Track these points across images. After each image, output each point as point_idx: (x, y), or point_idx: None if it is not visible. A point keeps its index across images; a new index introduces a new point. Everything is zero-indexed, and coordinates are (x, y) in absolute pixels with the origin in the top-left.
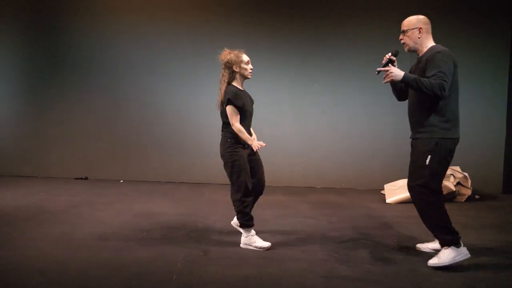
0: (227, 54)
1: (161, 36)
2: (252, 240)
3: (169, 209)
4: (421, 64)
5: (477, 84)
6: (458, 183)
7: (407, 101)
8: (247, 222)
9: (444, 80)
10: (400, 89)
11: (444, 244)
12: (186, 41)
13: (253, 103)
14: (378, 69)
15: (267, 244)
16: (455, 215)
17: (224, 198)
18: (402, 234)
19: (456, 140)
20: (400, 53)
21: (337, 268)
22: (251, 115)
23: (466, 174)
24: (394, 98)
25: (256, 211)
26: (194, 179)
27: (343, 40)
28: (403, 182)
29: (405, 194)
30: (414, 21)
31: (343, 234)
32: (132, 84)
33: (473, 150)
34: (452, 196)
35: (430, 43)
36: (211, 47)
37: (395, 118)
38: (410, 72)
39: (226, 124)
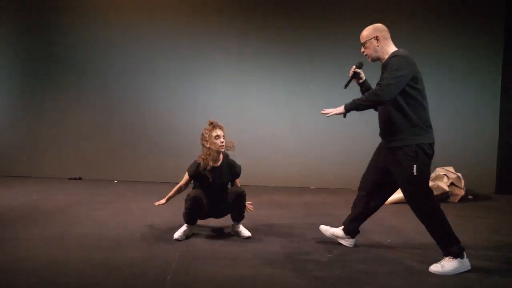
0: (209, 130)
1: (157, 36)
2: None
3: (164, 209)
4: (385, 67)
5: (471, 84)
6: (452, 184)
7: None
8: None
9: (386, 85)
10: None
11: (449, 254)
12: (183, 41)
13: (231, 178)
14: (345, 84)
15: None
16: (449, 215)
17: None
18: (396, 234)
19: (430, 145)
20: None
21: (332, 268)
22: (214, 188)
23: (459, 174)
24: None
25: (250, 212)
26: None
27: (340, 41)
28: None
29: (399, 194)
30: (370, 31)
31: None
32: (128, 84)
33: (466, 150)
34: (445, 196)
35: (391, 49)
36: (208, 48)
37: None
38: (350, 80)
39: None
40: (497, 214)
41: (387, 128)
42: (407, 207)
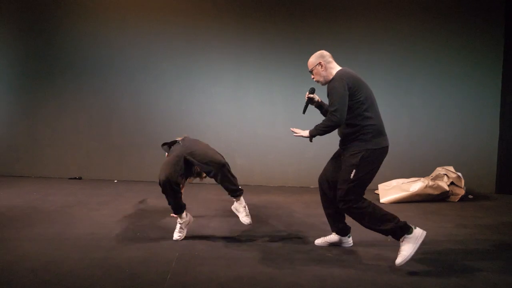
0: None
1: (156, 36)
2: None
3: (163, 209)
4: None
5: (471, 84)
6: (452, 183)
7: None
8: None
9: (334, 111)
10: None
11: (394, 235)
12: (181, 41)
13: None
14: (302, 110)
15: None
16: (449, 215)
17: (218, 198)
18: None
19: (382, 149)
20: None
21: (331, 267)
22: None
23: (459, 174)
24: (387, 98)
25: (250, 212)
26: None
27: (338, 41)
28: (397, 182)
29: (399, 194)
30: (314, 59)
31: None
32: (126, 84)
33: (466, 150)
34: (445, 196)
35: (334, 71)
36: (207, 48)
37: (388, 118)
38: (307, 105)
39: None
40: (497, 213)
41: (344, 133)
42: (406, 206)
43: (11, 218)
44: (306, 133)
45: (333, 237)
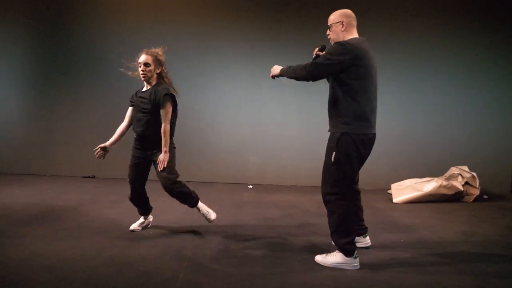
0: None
1: (168, 35)
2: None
3: (176, 207)
4: None
5: (486, 83)
6: (466, 183)
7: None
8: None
9: (315, 63)
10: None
11: (341, 250)
12: (193, 40)
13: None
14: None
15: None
16: (463, 215)
17: (230, 197)
18: (409, 234)
19: (362, 136)
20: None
21: (343, 268)
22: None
23: (474, 173)
24: (400, 97)
25: (262, 211)
26: (200, 177)
27: None
28: (410, 181)
29: (412, 193)
30: (337, 15)
31: None
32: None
33: (481, 149)
34: (459, 196)
35: (351, 36)
36: (218, 47)
37: (402, 117)
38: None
39: None
40: None
41: (328, 112)
42: (419, 206)
43: (27, 216)
44: (277, 70)
45: (360, 238)
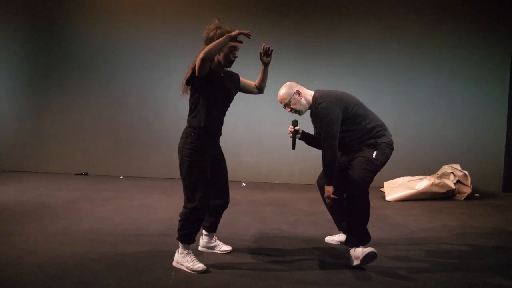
0: (213, 29)
1: (162, 33)
2: (185, 259)
3: (169, 205)
4: (316, 117)
5: (478, 82)
6: (458, 181)
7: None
8: (185, 237)
9: (327, 139)
10: (312, 142)
11: (361, 241)
12: (188, 38)
13: (233, 91)
14: (292, 146)
15: (200, 267)
16: (455, 213)
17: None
18: (401, 231)
19: (391, 142)
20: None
21: (336, 265)
22: (223, 102)
23: (466, 172)
24: (394, 96)
25: (255, 209)
26: None
27: (344, 39)
28: (403, 179)
29: (404, 192)
30: (288, 90)
31: None
32: (133, 81)
33: (473, 148)
34: (452, 194)
35: (309, 95)
36: None
37: (394, 116)
38: (295, 140)
39: (193, 110)
40: (504, 212)
41: (353, 146)
42: (412, 204)
43: (18, 213)
44: (331, 190)
45: (341, 235)
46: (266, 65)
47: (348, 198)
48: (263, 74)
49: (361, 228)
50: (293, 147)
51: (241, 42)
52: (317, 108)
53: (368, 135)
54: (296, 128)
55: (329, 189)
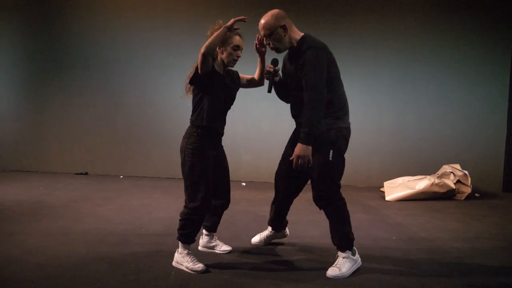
0: (216, 29)
1: (161, 31)
2: (185, 259)
3: (169, 205)
4: (299, 61)
5: (478, 81)
6: (458, 181)
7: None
8: (185, 237)
9: (314, 93)
10: (283, 91)
11: (347, 244)
12: (186, 36)
13: (235, 90)
14: (268, 89)
15: (200, 267)
16: (455, 213)
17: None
18: (401, 232)
19: (348, 129)
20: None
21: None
22: (226, 100)
23: (466, 172)
24: (393, 95)
25: (254, 209)
26: None
27: (342, 36)
28: (403, 179)
29: (404, 191)
30: (274, 20)
31: None
32: (132, 80)
33: (473, 148)
34: (451, 194)
35: (297, 34)
36: None
37: (394, 115)
38: (284, 65)
39: (196, 110)
40: (504, 212)
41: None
42: (412, 204)
43: (18, 213)
44: (303, 149)
45: (269, 233)
46: (262, 56)
47: (322, 207)
48: (261, 65)
49: (347, 229)
50: (269, 90)
51: (238, 28)
52: (305, 52)
53: (330, 109)
54: (276, 68)
55: (307, 151)
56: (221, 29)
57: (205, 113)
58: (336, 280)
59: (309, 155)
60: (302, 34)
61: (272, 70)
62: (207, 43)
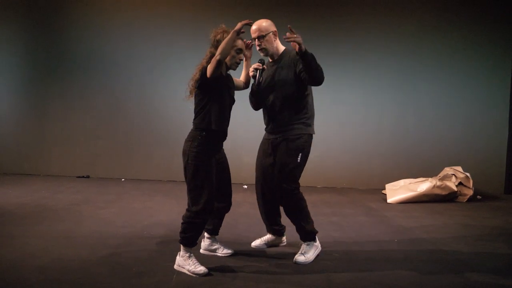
0: (220, 32)
1: (162, 34)
2: (187, 262)
3: (170, 208)
4: (284, 65)
5: (479, 83)
6: (460, 183)
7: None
8: (187, 240)
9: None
10: (259, 97)
11: (307, 236)
12: (188, 38)
13: (233, 90)
14: (257, 84)
15: (202, 270)
16: (457, 215)
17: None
18: (403, 234)
19: (312, 137)
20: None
21: (337, 267)
22: (230, 102)
23: (468, 174)
24: (395, 98)
25: (256, 211)
26: None
27: (343, 37)
28: (404, 182)
29: (406, 194)
30: (268, 25)
31: (344, 234)
32: (134, 83)
33: (475, 150)
34: (453, 196)
35: (280, 46)
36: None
37: (396, 117)
38: (261, 77)
39: (200, 113)
40: (506, 214)
41: (282, 117)
42: (413, 206)
43: (20, 216)
44: (302, 46)
45: (270, 237)
46: (248, 59)
47: (282, 202)
48: (246, 69)
49: (310, 224)
50: (258, 85)
51: (243, 32)
52: (291, 52)
53: (304, 114)
54: (264, 66)
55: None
56: (231, 34)
57: (213, 116)
58: (338, 282)
59: (301, 41)
60: (284, 47)
61: (260, 68)
62: (220, 49)
